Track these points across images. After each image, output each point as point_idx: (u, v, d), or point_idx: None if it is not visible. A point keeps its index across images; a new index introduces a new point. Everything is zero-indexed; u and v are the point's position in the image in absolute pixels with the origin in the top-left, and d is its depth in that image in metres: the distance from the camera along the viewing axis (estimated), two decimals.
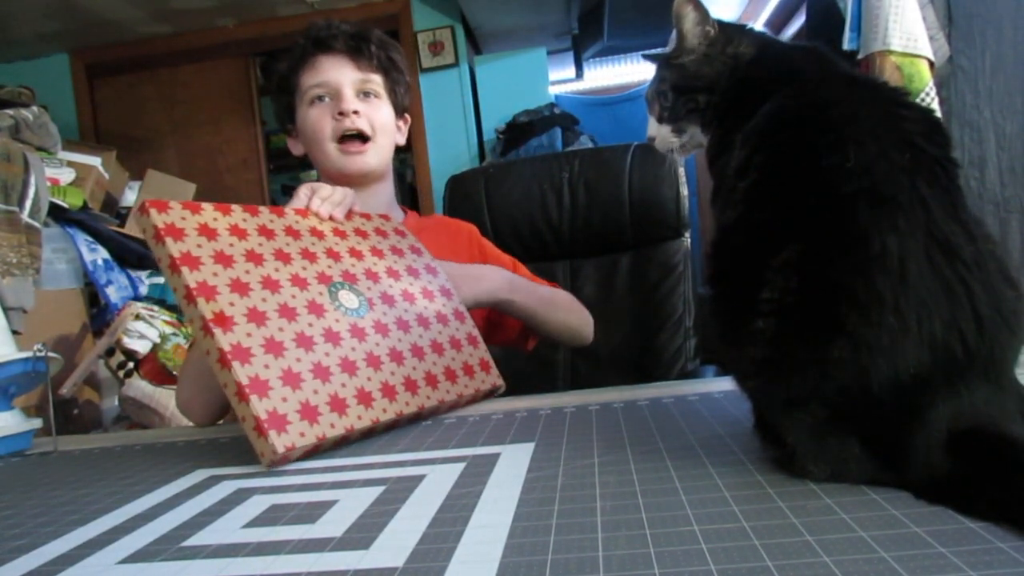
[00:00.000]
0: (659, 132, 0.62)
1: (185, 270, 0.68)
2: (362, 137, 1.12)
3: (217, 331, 0.65)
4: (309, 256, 0.80)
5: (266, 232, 0.78)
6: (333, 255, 0.83)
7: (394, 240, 0.94)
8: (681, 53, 0.58)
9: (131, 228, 2.46)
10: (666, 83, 0.59)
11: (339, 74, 1.11)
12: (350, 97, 1.11)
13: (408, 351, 0.79)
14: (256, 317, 0.69)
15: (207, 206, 0.76)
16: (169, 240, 0.69)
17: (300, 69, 1.13)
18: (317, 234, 0.84)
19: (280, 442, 0.62)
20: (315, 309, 0.74)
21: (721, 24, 0.57)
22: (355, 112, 1.09)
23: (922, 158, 0.43)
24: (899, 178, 0.42)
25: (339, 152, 1.11)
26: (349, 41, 1.12)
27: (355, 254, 0.85)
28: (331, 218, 0.88)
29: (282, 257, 0.77)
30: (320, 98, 1.11)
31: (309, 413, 0.66)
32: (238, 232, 0.76)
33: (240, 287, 0.70)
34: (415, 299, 0.86)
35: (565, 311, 1.16)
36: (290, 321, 0.71)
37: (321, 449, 0.67)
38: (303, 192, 0.90)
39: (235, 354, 0.65)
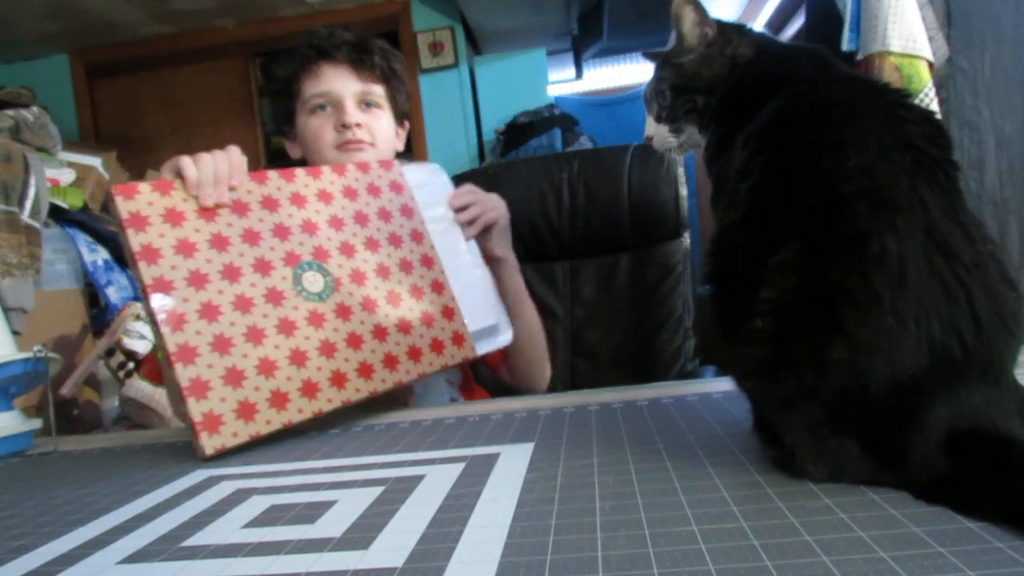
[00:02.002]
0: (657, 131, 0.62)
1: (143, 264, 0.68)
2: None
3: (166, 330, 0.67)
4: (281, 232, 0.78)
5: (240, 208, 0.77)
6: (309, 228, 0.80)
7: (386, 200, 0.90)
8: (680, 53, 0.58)
9: None
10: (664, 83, 0.59)
11: (341, 84, 1.10)
12: (352, 109, 1.10)
13: (369, 333, 0.79)
14: (209, 312, 0.70)
15: (179, 184, 0.75)
16: (131, 231, 0.69)
17: (302, 76, 1.12)
18: (298, 201, 0.81)
19: (210, 443, 0.66)
20: (274, 297, 0.74)
21: (720, 24, 0.57)
22: (357, 125, 1.10)
23: (923, 160, 0.43)
24: (899, 179, 0.42)
25: (338, 152, 1.10)
26: (352, 52, 1.12)
27: (335, 223, 0.83)
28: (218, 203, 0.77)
29: (250, 238, 0.75)
30: (321, 107, 1.11)
31: (246, 411, 0.69)
32: (207, 213, 0.74)
33: (198, 279, 0.70)
34: (389, 273, 0.85)
35: (537, 327, 1.15)
36: (244, 313, 0.72)
37: (256, 442, 0.70)
38: (186, 169, 0.77)
39: (180, 355, 0.67)
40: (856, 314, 0.40)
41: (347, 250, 0.82)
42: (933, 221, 0.41)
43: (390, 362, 0.80)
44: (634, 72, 4.49)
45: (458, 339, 0.88)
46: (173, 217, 0.71)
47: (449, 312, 0.89)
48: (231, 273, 0.72)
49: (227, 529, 0.48)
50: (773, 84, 0.51)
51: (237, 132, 3.67)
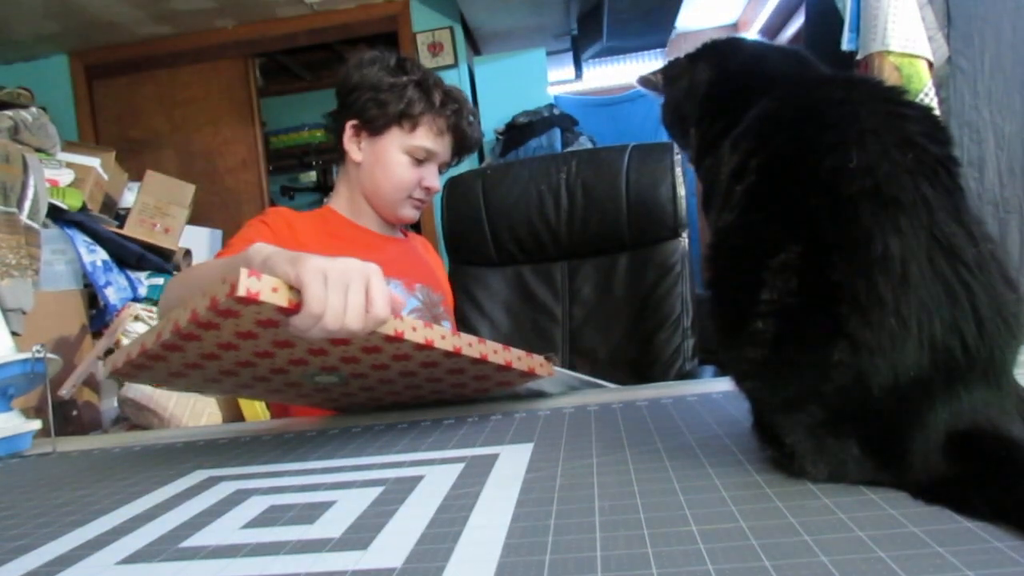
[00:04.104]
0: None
1: (176, 336, 0.60)
2: None
3: (156, 343, 0.62)
4: (349, 360, 0.68)
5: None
6: (379, 367, 0.70)
7: (478, 382, 0.78)
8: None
9: (130, 229, 2.46)
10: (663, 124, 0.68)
11: (444, 154, 1.25)
12: (437, 177, 1.26)
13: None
14: (206, 356, 0.65)
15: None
16: (191, 320, 0.57)
17: (427, 119, 1.20)
18: (400, 357, 0.68)
19: (109, 369, 0.71)
20: (278, 371, 0.70)
21: (673, 63, 0.65)
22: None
23: (924, 158, 0.43)
24: (902, 178, 0.41)
25: (406, 200, 1.24)
26: (475, 140, 1.28)
27: (406, 373, 0.73)
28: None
29: (315, 351, 0.65)
30: (419, 159, 1.22)
31: (159, 379, 0.75)
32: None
33: (222, 345, 0.63)
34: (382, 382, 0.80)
35: None
36: (242, 366, 0.68)
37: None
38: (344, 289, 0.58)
39: (148, 355, 0.65)
40: (858, 315, 0.40)
41: (384, 379, 0.75)
42: (936, 221, 0.41)
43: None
44: (634, 72, 4.48)
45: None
46: (264, 323, 0.59)
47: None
48: (260, 354, 0.65)
49: (226, 529, 0.48)
50: (753, 86, 0.53)
51: (236, 132, 3.67)
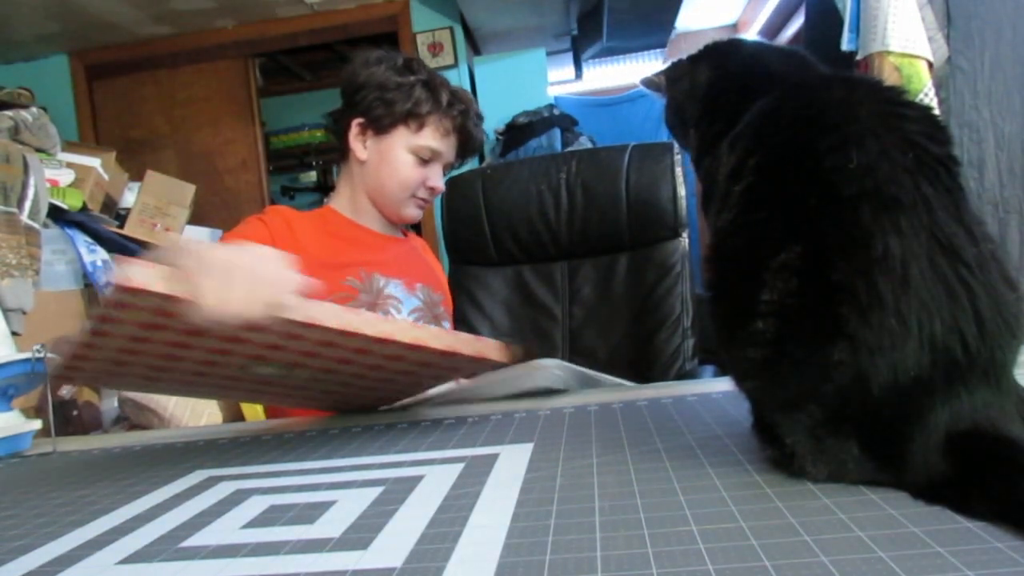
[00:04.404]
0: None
1: (99, 322, 0.59)
2: None
3: (86, 333, 0.61)
4: (309, 355, 0.67)
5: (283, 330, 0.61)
6: (343, 361, 0.69)
7: (435, 369, 0.76)
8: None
9: (130, 229, 2.46)
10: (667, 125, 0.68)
11: (449, 155, 1.26)
12: (442, 178, 1.27)
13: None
14: (137, 341, 0.63)
15: None
16: (105, 306, 0.58)
17: (433, 119, 1.21)
18: (360, 351, 0.66)
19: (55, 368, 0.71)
20: (208, 364, 0.68)
21: (675, 64, 0.66)
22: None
23: (924, 157, 0.43)
24: (902, 179, 0.41)
25: (410, 200, 1.25)
26: (479, 142, 1.31)
27: (372, 368, 0.72)
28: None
29: (275, 349, 0.65)
30: (425, 159, 1.23)
31: (104, 378, 0.75)
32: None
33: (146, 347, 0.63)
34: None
35: None
36: (175, 361, 0.66)
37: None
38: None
39: (82, 350, 0.62)
40: (858, 315, 0.40)
41: (325, 368, 0.72)
42: (936, 221, 0.41)
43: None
44: (634, 72, 4.49)
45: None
46: (164, 314, 0.57)
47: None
48: (175, 344, 0.62)
49: (226, 529, 0.48)
50: (753, 86, 0.53)
51: (236, 132, 3.67)
